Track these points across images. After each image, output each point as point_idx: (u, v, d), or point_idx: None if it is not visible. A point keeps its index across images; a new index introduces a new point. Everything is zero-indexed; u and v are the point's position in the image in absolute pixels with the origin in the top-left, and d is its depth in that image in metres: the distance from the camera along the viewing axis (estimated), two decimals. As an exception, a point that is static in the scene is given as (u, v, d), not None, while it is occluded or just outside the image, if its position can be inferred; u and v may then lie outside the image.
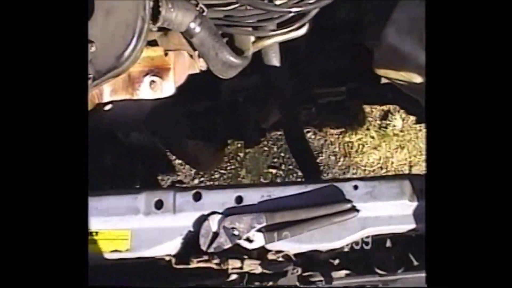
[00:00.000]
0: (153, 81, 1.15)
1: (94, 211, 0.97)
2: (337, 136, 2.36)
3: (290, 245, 0.96)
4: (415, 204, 0.96)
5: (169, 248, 0.98)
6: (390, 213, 0.96)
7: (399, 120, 2.33)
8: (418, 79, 1.11)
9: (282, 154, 2.33)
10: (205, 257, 0.95)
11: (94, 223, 0.98)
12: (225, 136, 1.69)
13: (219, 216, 0.96)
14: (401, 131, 2.34)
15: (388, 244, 1.01)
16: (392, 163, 2.33)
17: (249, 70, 1.19)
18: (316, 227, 0.94)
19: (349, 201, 0.96)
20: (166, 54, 1.16)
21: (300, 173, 2.03)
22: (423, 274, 0.88)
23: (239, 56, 1.14)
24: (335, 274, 0.97)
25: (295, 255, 0.97)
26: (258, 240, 0.95)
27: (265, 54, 1.27)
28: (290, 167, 2.31)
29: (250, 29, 1.18)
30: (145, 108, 1.17)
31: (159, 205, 0.98)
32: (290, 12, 1.13)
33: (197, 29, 1.04)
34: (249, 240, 0.95)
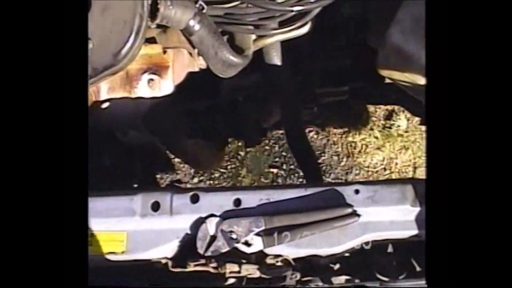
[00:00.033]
0: (151, 79, 1.14)
1: (90, 212, 0.96)
2: (340, 135, 2.34)
3: (289, 249, 0.94)
4: (417, 209, 0.94)
5: (165, 251, 0.97)
6: (392, 218, 0.95)
7: (403, 120, 2.31)
8: (422, 80, 1.09)
9: (283, 154, 2.31)
10: (202, 261, 0.94)
11: (90, 225, 0.96)
12: (226, 135, 1.68)
13: (217, 219, 0.95)
14: (406, 131, 2.31)
15: (390, 249, 1.00)
16: (396, 164, 2.31)
17: (250, 68, 1.18)
18: (316, 231, 0.93)
19: (350, 205, 0.94)
20: (164, 52, 1.14)
21: (302, 173, 2.01)
22: (423, 282, 0.87)
23: (239, 55, 1.13)
24: (335, 279, 0.96)
25: (294, 259, 0.96)
26: (257, 244, 0.93)
27: (266, 52, 1.26)
28: (292, 167, 2.29)
29: (251, 27, 1.16)
30: (143, 106, 1.16)
31: (155, 207, 0.97)
32: (292, 10, 1.11)
33: (197, 27, 1.03)
34: (247, 244, 0.94)
